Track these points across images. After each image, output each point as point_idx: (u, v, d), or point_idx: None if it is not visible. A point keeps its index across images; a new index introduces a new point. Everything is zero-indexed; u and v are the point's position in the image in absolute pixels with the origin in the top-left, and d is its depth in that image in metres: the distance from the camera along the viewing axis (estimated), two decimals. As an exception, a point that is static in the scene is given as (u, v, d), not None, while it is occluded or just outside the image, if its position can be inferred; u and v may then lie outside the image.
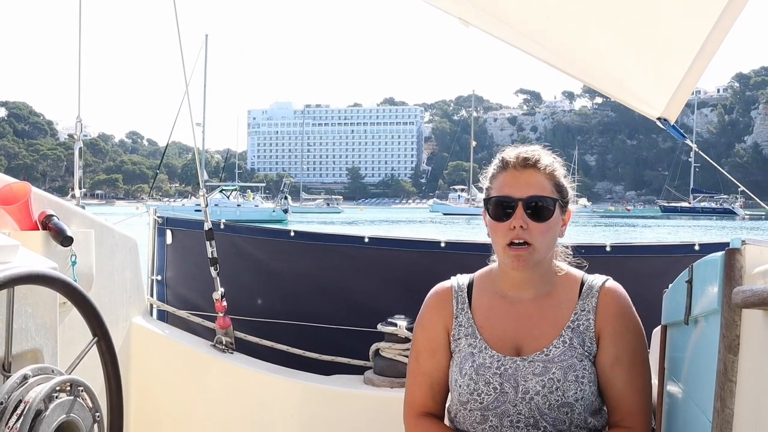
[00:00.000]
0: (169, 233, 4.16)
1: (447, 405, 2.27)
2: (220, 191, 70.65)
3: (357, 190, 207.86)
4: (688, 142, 3.51)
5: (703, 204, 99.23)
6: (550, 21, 3.01)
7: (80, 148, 3.84)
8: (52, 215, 2.95)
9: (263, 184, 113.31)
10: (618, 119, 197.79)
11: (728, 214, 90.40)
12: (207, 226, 3.73)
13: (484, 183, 2.21)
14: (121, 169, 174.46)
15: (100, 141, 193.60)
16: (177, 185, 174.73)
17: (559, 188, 2.15)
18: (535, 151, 2.15)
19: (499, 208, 2.10)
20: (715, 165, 3.96)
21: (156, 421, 3.71)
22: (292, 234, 4.06)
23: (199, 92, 68.17)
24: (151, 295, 4.12)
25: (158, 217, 4.17)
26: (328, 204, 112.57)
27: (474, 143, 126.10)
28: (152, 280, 4.18)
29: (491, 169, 2.20)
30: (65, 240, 2.88)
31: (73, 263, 2.99)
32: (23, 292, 1.84)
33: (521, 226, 2.06)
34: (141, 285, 3.83)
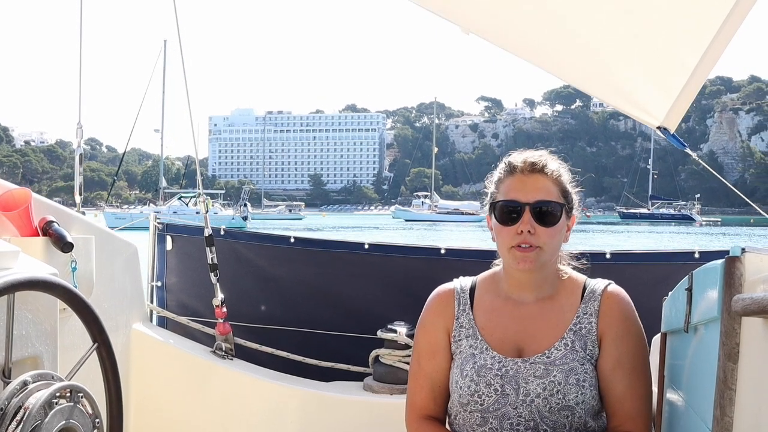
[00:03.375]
0: (169, 239, 4.15)
1: (448, 407, 2.26)
2: (179, 198, 69.91)
3: (319, 196, 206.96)
4: (688, 151, 3.55)
5: (661, 210, 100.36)
6: (551, 31, 3.02)
7: (80, 155, 3.81)
8: (53, 221, 2.96)
9: (222, 191, 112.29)
10: (578, 127, 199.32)
11: (686, 220, 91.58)
12: (207, 232, 3.74)
13: (489, 187, 2.21)
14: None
15: (57, 148, 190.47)
16: (137, 192, 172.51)
17: (565, 193, 2.16)
18: (542, 156, 2.17)
19: (506, 213, 2.11)
20: (716, 174, 3.97)
21: (156, 427, 3.71)
22: (292, 240, 4.06)
23: (159, 98, 67.65)
24: (151, 301, 4.12)
25: (158, 223, 4.15)
26: (290, 210, 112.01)
27: (436, 150, 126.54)
28: (152, 286, 4.18)
29: (497, 174, 2.21)
30: (65, 246, 2.88)
31: (74, 269, 2.99)
32: (23, 298, 1.84)
33: (528, 231, 2.07)
34: (141, 291, 3.83)
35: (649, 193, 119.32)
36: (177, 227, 4.23)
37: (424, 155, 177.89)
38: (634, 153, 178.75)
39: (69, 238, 2.89)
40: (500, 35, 3.16)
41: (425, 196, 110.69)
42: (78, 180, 3.85)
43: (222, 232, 4.08)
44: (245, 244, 4.16)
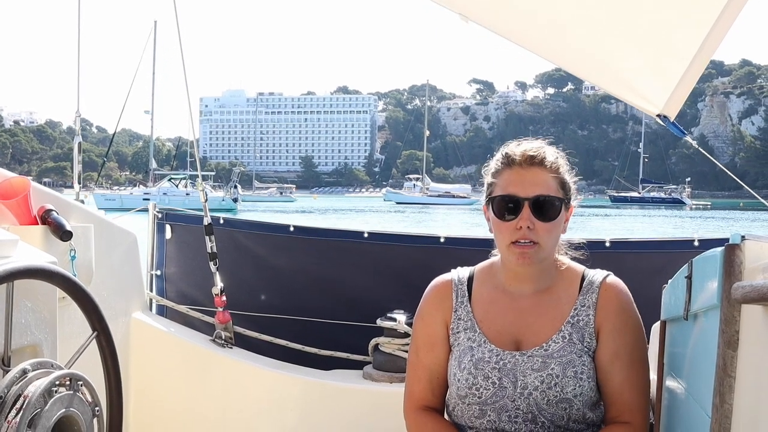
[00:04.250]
0: (168, 228, 4.14)
1: (446, 398, 2.26)
2: (169, 180, 69.67)
3: (310, 178, 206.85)
4: (688, 138, 3.55)
5: (652, 194, 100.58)
6: (551, 18, 3.01)
7: (79, 143, 3.79)
8: (52, 210, 2.95)
9: (213, 173, 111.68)
10: (569, 110, 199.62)
11: (677, 203, 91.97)
12: (206, 220, 3.73)
13: (486, 178, 2.18)
14: (69, 157, 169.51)
15: (47, 128, 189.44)
16: (127, 173, 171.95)
17: (563, 184, 2.14)
18: (540, 147, 2.14)
19: (505, 207, 2.09)
20: (713, 159, 3.97)
21: (155, 415, 3.71)
22: (292, 229, 4.05)
23: (149, 79, 67.20)
24: (151, 290, 4.11)
25: (158, 211, 4.13)
26: (281, 193, 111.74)
27: (427, 133, 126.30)
28: (152, 275, 4.16)
29: (494, 164, 2.18)
30: (64, 234, 2.88)
31: (73, 258, 2.98)
32: (23, 286, 1.84)
33: (528, 227, 2.05)
34: (140, 280, 3.83)
35: (640, 176, 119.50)
36: (176, 216, 4.22)
37: (416, 138, 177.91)
38: (626, 136, 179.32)
39: (68, 227, 2.89)
40: (499, 23, 3.14)
41: (417, 179, 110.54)
42: (77, 168, 3.84)
43: (221, 221, 4.07)
44: (244, 233, 4.15)
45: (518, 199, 2.07)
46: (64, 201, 3.14)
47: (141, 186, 78.47)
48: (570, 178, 2.18)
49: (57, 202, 3.04)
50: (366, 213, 66.89)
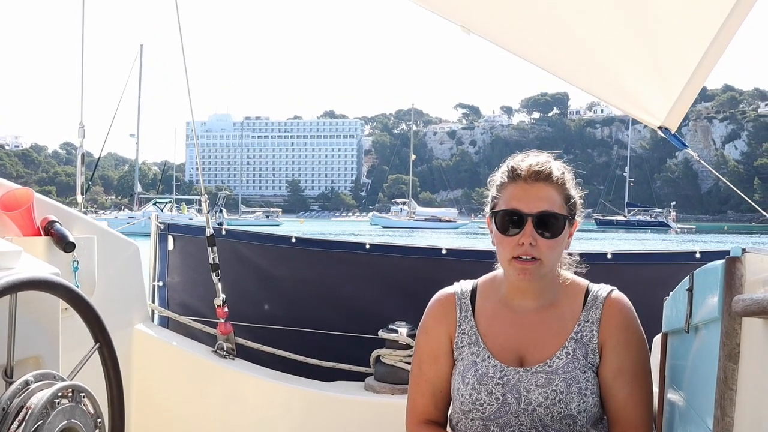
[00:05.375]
0: (170, 239, 4.14)
1: (449, 413, 2.25)
2: (154, 204, 69.37)
3: (297, 202, 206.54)
4: (689, 151, 3.57)
5: (638, 217, 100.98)
6: (552, 31, 3.03)
7: (82, 155, 3.80)
8: (55, 221, 2.96)
9: (198, 197, 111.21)
10: (554, 134, 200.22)
11: (662, 227, 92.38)
12: (209, 232, 3.73)
13: (491, 191, 2.17)
14: (54, 181, 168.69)
15: (32, 152, 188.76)
16: (113, 197, 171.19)
17: (569, 200, 2.13)
18: (546, 162, 2.12)
19: (508, 222, 2.07)
20: (718, 176, 4.00)
21: (157, 426, 3.70)
22: (294, 240, 4.05)
23: (135, 103, 67.15)
24: (153, 301, 4.11)
25: (160, 223, 4.13)
26: (267, 217, 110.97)
27: (414, 157, 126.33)
28: (154, 286, 4.16)
29: (499, 178, 2.16)
30: (67, 246, 2.88)
31: (75, 269, 2.99)
32: (25, 297, 1.83)
33: (530, 243, 2.03)
34: (143, 291, 3.83)
35: (626, 200, 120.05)
36: (179, 227, 4.22)
37: (402, 162, 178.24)
38: (611, 160, 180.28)
39: (71, 238, 2.90)
40: (500, 35, 3.15)
41: (403, 203, 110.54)
42: (80, 180, 3.84)
43: (223, 232, 4.08)
44: (247, 244, 4.15)
45: (522, 214, 2.05)
46: (67, 212, 3.14)
47: (126, 210, 78.04)
48: (576, 194, 2.17)
49: (60, 214, 3.04)
50: (353, 237, 66.75)
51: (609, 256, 3.67)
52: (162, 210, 66.88)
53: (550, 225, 2.06)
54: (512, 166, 2.13)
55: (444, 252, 3.86)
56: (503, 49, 3.21)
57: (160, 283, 4.17)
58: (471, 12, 3.01)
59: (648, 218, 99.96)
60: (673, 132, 3.27)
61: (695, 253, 3.61)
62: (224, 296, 3.70)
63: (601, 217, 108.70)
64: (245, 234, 4.28)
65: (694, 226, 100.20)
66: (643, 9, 2.74)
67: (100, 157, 66.60)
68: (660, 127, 3.26)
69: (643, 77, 3.15)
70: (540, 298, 2.16)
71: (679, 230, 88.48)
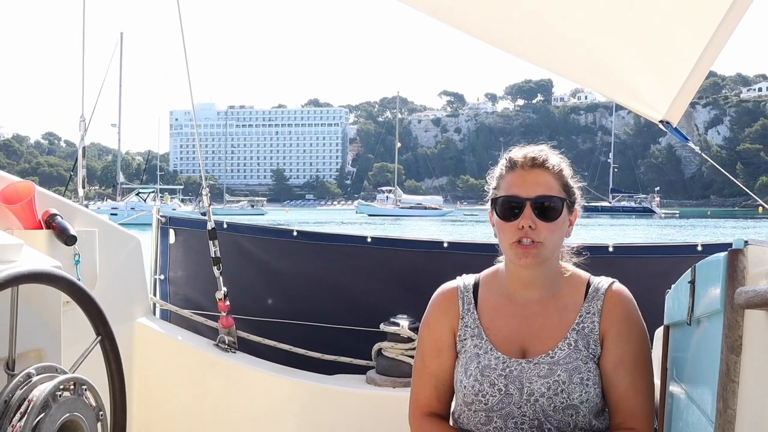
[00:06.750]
0: (172, 233, 4.13)
1: (452, 406, 2.27)
2: (137, 194, 68.94)
3: (282, 191, 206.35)
4: (690, 144, 3.55)
5: (622, 203, 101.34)
6: (552, 25, 3.01)
7: (83, 148, 3.79)
8: (56, 214, 2.95)
9: (181, 186, 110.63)
10: (539, 121, 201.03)
11: (647, 212, 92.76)
12: (210, 225, 3.73)
13: (491, 183, 2.20)
14: (37, 172, 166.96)
15: (14, 142, 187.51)
16: (96, 188, 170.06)
17: (567, 188, 2.16)
18: (542, 151, 2.16)
19: (507, 208, 2.10)
20: (720, 168, 4.00)
21: (159, 419, 3.70)
22: (295, 234, 4.05)
23: (116, 92, 66.44)
24: (154, 295, 4.11)
25: (161, 216, 4.12)
26: (252, 206, 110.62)
27: (399, 144, 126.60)
28: (155, 280, 4.16)
29: (498, 170, 2.19)
30: (69, 239, 2.88)
31: (77, 262, 2.98)
32: (27, 291, 1.84)
33: (530, 226, 2.06)
34: (144, 284, 3.82)
35: (610, 186, 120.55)
36: (180, 221, 4.22)
37: (387, 150, 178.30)
38: (595, 147, 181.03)
39: (72, 231, 2.89)
40: (496, 31, 3.12)
41: (389, 191, 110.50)
42: (81, 172, 3.83)
43: (225, 226, 4.07)
44: (248, 238, 4.15)
45: (520, 199, 2.09)
46: (69, 205, 3.13)
47: (108, 200, 77.42)
48: (574, 182, 2.20)
49: (61, 207, 3.04)
50: (339, 225, 66.69)
51: (611, 249, 3.68)
52: (145, 200, 66.43)
53: (549, 208, 2.09)
54: (510, 157, 2.18)
55: (446, 245, 3.87)
56: (499, 47, 3.19)
57: (162, 277, 4.18)
58: (463, 9, 2.97)
59: (632, 204, 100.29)
60: (674, 125, 3.27)
61: (697, 245, 3.61)
62: (226, 290, 3.69)
63: (586, 204, 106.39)
64: (247, 227, 4.28)
65: (677, 212, 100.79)
66: (644, 3, 2.74)
67: (82, 148, 66.03)
68: (661, 121, 3.26)
69: (644, 72, 3.14)
70: (542, 289, 2.18)
71: (663, 215, 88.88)
